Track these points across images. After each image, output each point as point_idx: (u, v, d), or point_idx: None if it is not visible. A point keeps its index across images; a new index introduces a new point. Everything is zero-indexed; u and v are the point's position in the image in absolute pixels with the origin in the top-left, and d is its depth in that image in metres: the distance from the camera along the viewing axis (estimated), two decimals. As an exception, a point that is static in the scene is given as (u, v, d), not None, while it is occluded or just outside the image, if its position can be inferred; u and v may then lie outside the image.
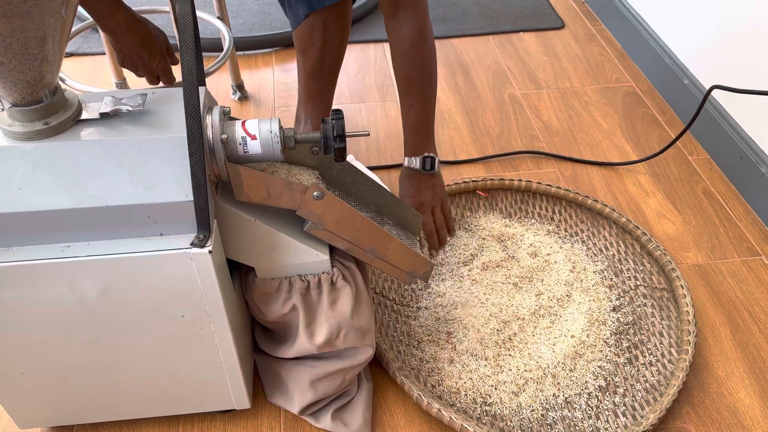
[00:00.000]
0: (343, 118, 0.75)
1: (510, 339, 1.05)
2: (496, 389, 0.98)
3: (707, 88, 1.29)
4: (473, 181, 1.31)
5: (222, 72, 1.68)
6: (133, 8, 1.09)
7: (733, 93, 1.29)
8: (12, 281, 0.70)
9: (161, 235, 0.71)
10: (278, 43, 1.82)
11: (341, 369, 0.90)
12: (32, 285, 0.71)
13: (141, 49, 1.08)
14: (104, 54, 1.59)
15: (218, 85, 1.67)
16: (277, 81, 1.69)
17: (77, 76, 1.67)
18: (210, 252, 0.70)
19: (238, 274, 0.88)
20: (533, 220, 1.28)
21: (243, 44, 1.78)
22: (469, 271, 1.16)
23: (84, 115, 0.70)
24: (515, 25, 1.94)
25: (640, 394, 0.99)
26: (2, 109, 0.68)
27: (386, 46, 1.85)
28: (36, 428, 0.94)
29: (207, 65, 1.42)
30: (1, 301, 0.72)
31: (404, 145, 1.05)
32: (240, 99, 1.62)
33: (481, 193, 1.32)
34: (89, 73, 1.70)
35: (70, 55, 1.77)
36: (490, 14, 1.99)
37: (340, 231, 0.80)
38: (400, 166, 1.41)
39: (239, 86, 1.61)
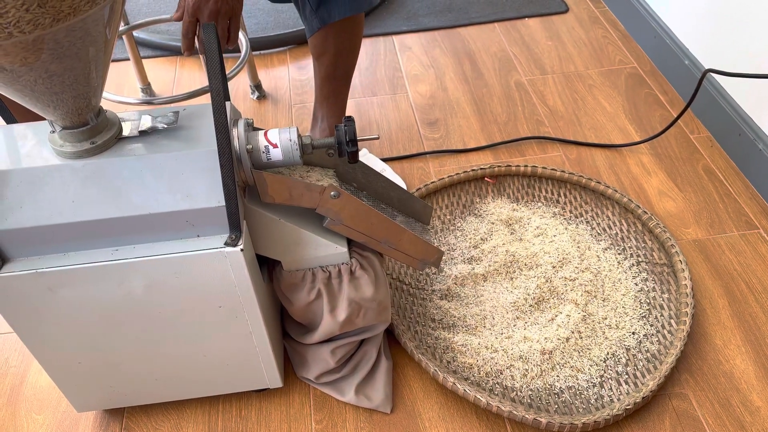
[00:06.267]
0: (354, 124, 0.83)
1: (519, 316, 1.13)
2: (507, 363, 1.07)
3: (705, 69, 1.34)
4: (481, 168, 1.39)
5: (241, 73, 1.76)
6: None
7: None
8: (69, 282, 0.80)
9: (198, 236, 0.80)
10: (292, 41, 1.89)
11: (357, 340, 1.02)
12: (86, 284, 0.81)
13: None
14: (128, 60, 1.67)
15: (237, 86, 1.75)
16: (293, 79, 1.77)
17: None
18: (242, 250, 0.79)
19: (267, 268, 0.97)
20: (539, 204, 1.35)
21: (258, 44, 1.86)
22: (480, 254, 1.24)
23: (124, 133, 0.79)
24: (520, 12, 1.99)
25: (641, 363, 1.07)
26: (53, 132, 0.77)
27: (395, 39, 1.91)
28: (91, 411, 1.05)
29: (227, 68, 1.51)
30: (60, 299, 0.82)
31: None
32: (258, 98, 1.70)
33: (488, 179, 1.39)
34: (115, 80, 1.79)
35: (96, 62, 1.86)
36: (495, 1, 2.04)
37: (356, 225, 0.89)
38: (411, 156, 1.49)
39: (257, 86, 1.70)
